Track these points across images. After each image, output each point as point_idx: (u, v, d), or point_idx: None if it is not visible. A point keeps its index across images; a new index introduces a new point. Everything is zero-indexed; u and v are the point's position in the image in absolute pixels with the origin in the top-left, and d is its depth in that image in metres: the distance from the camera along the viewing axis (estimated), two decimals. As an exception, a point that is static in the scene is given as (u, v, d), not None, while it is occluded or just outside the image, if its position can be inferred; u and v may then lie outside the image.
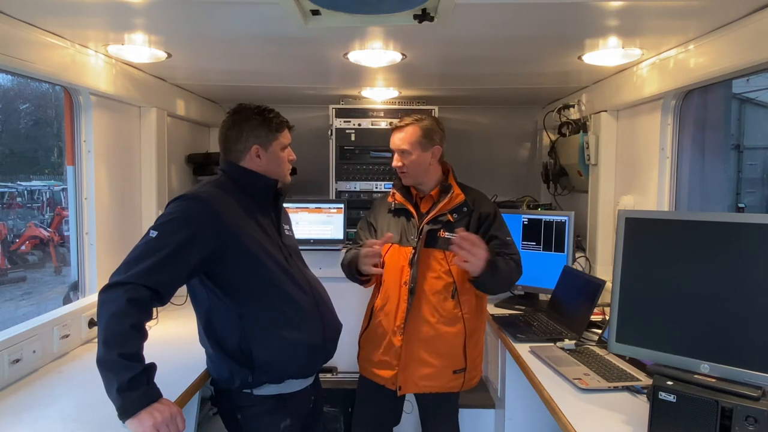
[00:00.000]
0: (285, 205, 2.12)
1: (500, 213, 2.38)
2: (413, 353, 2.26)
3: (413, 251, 2.26)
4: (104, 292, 1.63)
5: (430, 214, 2.28)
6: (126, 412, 1.51)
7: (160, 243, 1.67)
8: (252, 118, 1.93)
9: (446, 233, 2.25)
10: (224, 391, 1.92)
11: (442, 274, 2.26)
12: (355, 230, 2.54)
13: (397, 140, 2.31)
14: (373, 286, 2.44)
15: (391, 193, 2.41)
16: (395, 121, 2.37)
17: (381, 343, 2.32)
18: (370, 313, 2.39)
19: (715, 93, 2.57)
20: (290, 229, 2.13)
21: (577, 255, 3.11)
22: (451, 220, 2.27)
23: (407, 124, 2.30)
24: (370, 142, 3.59)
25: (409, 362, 2.27)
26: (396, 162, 2.32)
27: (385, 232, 2.33)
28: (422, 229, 2.27)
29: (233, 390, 1.88)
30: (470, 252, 2.06)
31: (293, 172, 3.75)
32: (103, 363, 1.55)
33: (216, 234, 1.75)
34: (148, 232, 1.71)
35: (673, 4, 1.83)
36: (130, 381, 1.51)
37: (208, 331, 1.89)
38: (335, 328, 2.04)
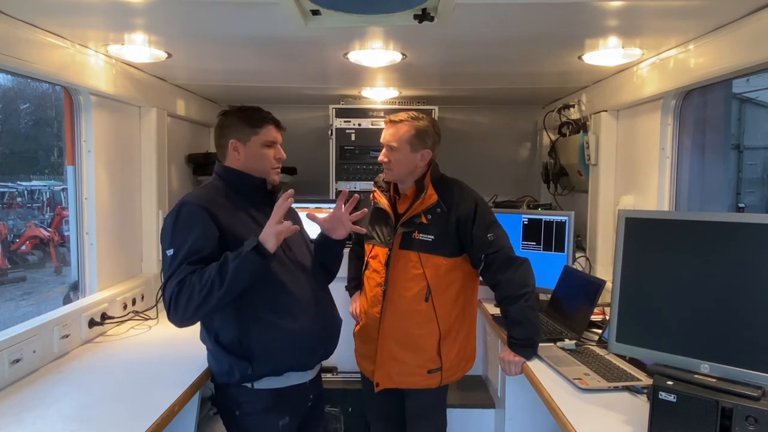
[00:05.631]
0: None
1: (483, 206, 2.26)
2: (387, 351, 2.28)
3: (388, 252, 2.26)
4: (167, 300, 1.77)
5: (404, 216, 2.25)
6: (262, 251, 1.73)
7: (180, 250, 1.76)
8: (233, 116, 1.97)
9: (420, 235, 2.22)
10: (224, 386, 1.94)
11: (416, 275, 2.23)
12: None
13: (388, 135, 2.26)
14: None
15: (372, 192, 2.40)
16: (391, 115, 2.32)
17: (365, 338, 2.37)
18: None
19: (715, 93, 2.57)
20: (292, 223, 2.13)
21: (577, 255, 3.10)
22: (425, 221, 2.23)
23: (401, 121, 2.25)
24: (370, 142, 3.59)
25: (384, 360, 2.29)
26: (382, 157, 2.27)
27: (369, 233, 2.35)
28: (396, 230, 2.25)
29: (232, 384, 1.90)
30: (511, 372, 2.20)
31: (293, 171, 3.81)
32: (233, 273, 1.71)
33: (215, 227, 1.81)
34: (165, 254, 1.80)
35: (673, 4, 1.83)
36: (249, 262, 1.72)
37: (209, 326, 1.92)
38: (334, 322, 2.05)
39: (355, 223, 2.04)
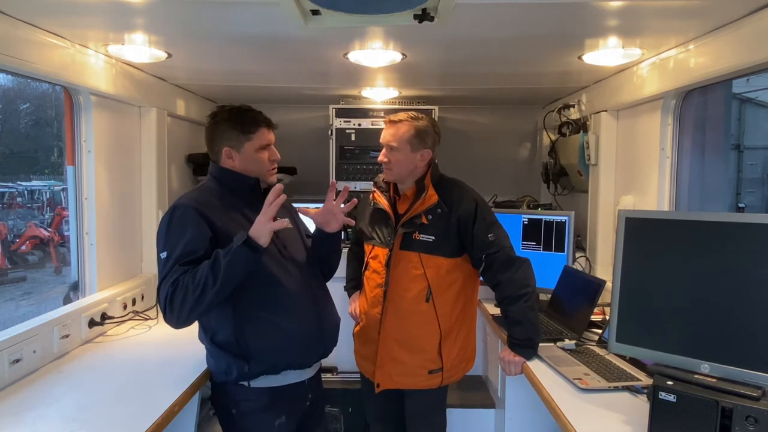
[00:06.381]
0: None
1: (483, 206, 2.27)
2: (388, 352, 2.28)
3: (389, 253, 2.26)
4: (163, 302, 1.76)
5: (405, 217, 2.25)
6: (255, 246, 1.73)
7: (173, 253, 1.75)
8: (224, 121, 1.94)
9: (421, 235, 2.22)
10: (221, 385, 1.94)
11: (416, 276, 2.23)
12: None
13: (388, 135, 2.26)
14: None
15: (372, 192, 2.40)
16: (391, 115, 2.32)
17: (365, 339, 2.36)
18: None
19: (715, 93, 2.57)
20: (289, 221, 2.12)
21: (577, 255, 3.10)
22: (425, 222, 2.22)
23: (401, 120, 2.25)
24: (370, 142, 3.58)
25: (385, 361, 2.29)
26: (381, 157, 2.27)
27: (369, 233, 2.35)
28: (396, 231, 2.25)
29: (230, 383, 1.90)
30: (511, 372, 2.19)
31: (293, 171, 3.81)
32: (225, 270, 1.71)
33: (207, 228, 1.81)
34: (159, 256, 1.79)
35: (673, 4, 1.83)
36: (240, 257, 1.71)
37: (206, 325, 1.92)
38: (332, 320, 2.05)
39: (348, 215, 2.04)
